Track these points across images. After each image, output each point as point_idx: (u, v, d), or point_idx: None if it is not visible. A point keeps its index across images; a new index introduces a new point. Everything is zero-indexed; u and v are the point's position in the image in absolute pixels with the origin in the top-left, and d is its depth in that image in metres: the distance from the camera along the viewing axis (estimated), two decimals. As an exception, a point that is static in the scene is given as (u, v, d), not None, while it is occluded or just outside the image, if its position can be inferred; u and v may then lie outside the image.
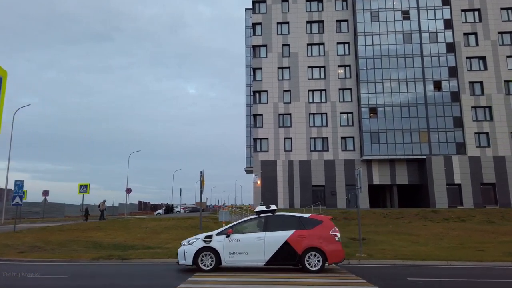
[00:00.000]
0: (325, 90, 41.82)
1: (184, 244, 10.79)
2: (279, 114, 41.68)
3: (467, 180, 37.81)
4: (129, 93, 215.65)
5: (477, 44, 40.77)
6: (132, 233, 21.48)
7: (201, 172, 21.85)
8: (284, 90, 42.18)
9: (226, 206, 75.63)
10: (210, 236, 10.58)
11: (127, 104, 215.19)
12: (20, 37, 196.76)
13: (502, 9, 41.36)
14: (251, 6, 47.66)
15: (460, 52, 40.56)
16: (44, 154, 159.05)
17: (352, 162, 39.56)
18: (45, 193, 37.55)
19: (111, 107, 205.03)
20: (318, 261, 10.19)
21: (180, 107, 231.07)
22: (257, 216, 11.09)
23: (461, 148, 38.60)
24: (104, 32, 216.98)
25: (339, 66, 42.36)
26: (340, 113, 41.25)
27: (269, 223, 10.70)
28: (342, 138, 40.72)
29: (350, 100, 41.49)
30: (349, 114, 41.33)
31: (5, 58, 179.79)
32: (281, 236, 10.37)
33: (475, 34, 41.00)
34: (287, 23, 43.53)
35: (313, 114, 41.45)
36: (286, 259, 10.35)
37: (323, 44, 42.78)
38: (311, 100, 41.82)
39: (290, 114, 41.61)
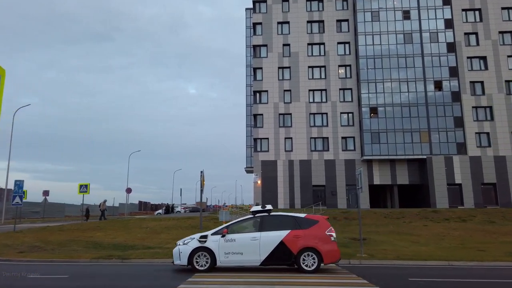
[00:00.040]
0: (325, 90, 41.78)
1: (179, 244, 10.75)
2: (280, 114, 41.64)
3: (468, 180, 37.75)
4: (129, 93, 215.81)
5: (477, 44, 40.71)
6: (132, 233, 21.43)
7: (201, 172, 21.80)
8: (285, 90, 42.14)
9: (226, 206, 75.57)
10: (205, 236, 10.54)
11: (127, 104, 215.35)
12: (20, 37, 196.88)
13: (503, 8, 41.30)
14: (251, 6, 47.63)
15: (461, 51, 40.50)
16: (44, 154, 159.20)
17: (353, 162, 39.51)
18: (45, 193, 37.51)
19: (111, 107, 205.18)
20: (314, 261, 10.15)
21: (180, 107, 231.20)
22: (252, 216, 11.03)
23: (461, 148, 38.53)
24: (104, 32, 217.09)
25: (339, 66, 42.31)
26: (341, 113, 41.20)
27: (264, 223, 10.65)
28: (342, 138, 40.68)
29: (350, 100, 41.44)
30: (349, 114, 41.28)
31: (5, 58, 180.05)
32: (276, 236, 10.32)
33: (476, 33, 40.93)
34: (288, 22, 43.49)
35: (314, 114, 41.40)
36: (281, 259, 10.31)
37: (323, 44, 42.74)
38: (311, 100, 41.77)
39: (290, 114, 41.57)
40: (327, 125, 40.93)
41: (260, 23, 43.80)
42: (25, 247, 15.67)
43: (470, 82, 39.98)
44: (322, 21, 43.25)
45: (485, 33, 40.76)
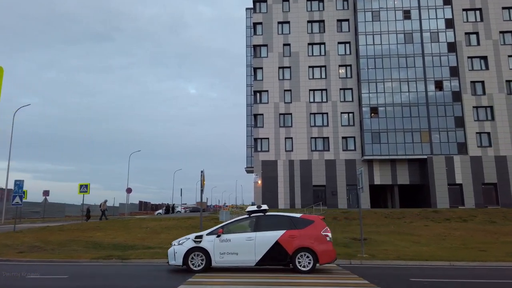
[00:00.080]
0: (326, 89, 41.73)
1: (174, 245, 10.71)
2: (280, 114, 41.59)
3: (469, 180, 37.69)
4: (129, 93, 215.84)
5: (478, 44, 40.64)
6: (132, 233, 21.39)
7: (202, 172, 21.75)
8: (285, 90, 42.09)
9: (226, 206, 75.53)
10: (200, 236, 10.49)
11: (127, 104, 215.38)
12: (20, 37, 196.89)
13: (504, 8, 41.23)
14: (251, 6, 47.59)
15: (462, 51, 40.44)
16: (44, 154, 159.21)
17: (353, 162, 39.45)
18: (46, 193, 37.47)
19: (111, 107, 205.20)
20: (309, 261, 10.09)
21: (180, 107, 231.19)
22: (248, 216, 10.96)
23: (462, 148, 38.47)
24: (104, 32, 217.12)
25: (340, 65, 42.25)
26: (341, 112, 41.15)
27: (260, 223, 10.59)
28: (343, 138, 40.62)
29: (351, 99, 41.38)
30: (350, 114, 41.22)
31: (5, 58, 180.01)
32: (272, 236, 10.26)
33: (477, 33, 40.86)
34: (288, 22, 43.44)
35: (314, 114, 41.35)
36: (276, 260, 10.25)
37: (324, 43, 42.69)
38: (312, 100, 41.72)
39: (290, 114, 41.52)
40: (327, 125, 40.88)
41: (261, 23, 43.76)
42: (25, 247, 15.62)
43: (471, 82, 39.92)
44: (323, 21, 43.20)
45: (485, 33, 40.70)
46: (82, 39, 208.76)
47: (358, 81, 41.08)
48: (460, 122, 38.94)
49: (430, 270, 11.51)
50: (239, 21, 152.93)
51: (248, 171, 56.21)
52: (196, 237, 10.50)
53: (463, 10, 41.33)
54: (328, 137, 40.56)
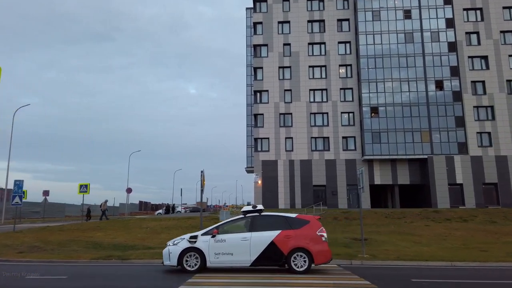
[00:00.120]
0: (326, 89, 41.68)
1: (169, 245, 10.66)
2: (280, 114, 41.54)
3: (469, 180, 37.64)
4: (129, 93, 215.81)
5: (479, 43, 40.59)
6: (132, 233, 21.36)
7: (202, 172, 21.69)
8: (285, 90, 42.04)
9: (227, 206, 75.52)
10: (195, 237, 10.44)
11: (127, 104, 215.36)
12: (20, 37, 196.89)
13: (504, 8, 41.18)
14: (252, 6, 47.54)
15: (462, 51, 40.39)
16: (44, 154, 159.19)
17: (353, 162, 39.41)
18: (46, 193, 37.43)
19: (111, 107, 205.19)
20: (304, 261, 10.04)
21: (180, 107, 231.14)
22: (243, 216, 10.91)
23: (463, 147, 38.42)
24: (104, 32, 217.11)
25: (340, 65, 42.20)
26: (341, 112, 41.10)
27: (255, 223, 10.53)
28: (343, 137, 40.57)
29: (351, 99, 41.33)
30: (350, 114, 41.18)
31: (5, 58, 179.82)
32: (267, 236, 10.21)
33: (477, 33, 40.81)
34: (288, 22, 43.39)
35: (314, 113, 41.30)
36: (272, 260, 10.20)
37: (324, 43, 42.64)
38: (312, 100, 41.68)
39: (291, 113, 41.47)
40: (327, 125, 40.83)
41: (261, 23, 43.72)
42: (25, 247, 15.59)
43: (471, 81, 39.87)
44: (323, 21, 43.15)
45: (486, 33, 40.64)
46: (82, 39, 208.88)
47: (359, 81, 41.03)
48: (460, 122, 38.88)
49: (431, 270, 11.46)
50: (239, 21, 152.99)
51: (248, 171, 56.19)
52: (191, 237, 10.45)
53: (464, 9, 41.28)
54: (328, 137, 40.52)
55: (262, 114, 41.74)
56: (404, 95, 39.96)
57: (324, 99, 41.53)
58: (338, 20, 43.07)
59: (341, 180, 39.35)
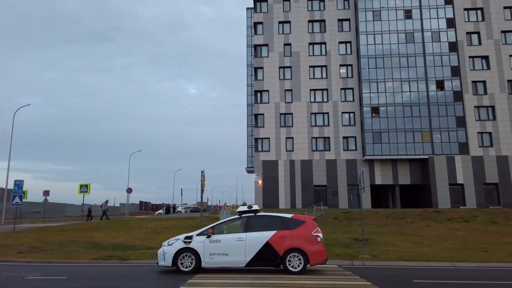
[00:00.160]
0: (326, 89, 41.63)
1: (164, 245, 10.62)
2: (281, 114, 41.50)
3: (470, 180, 37.57)
4: (129, 93, 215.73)
5: (480, 43, 40.53)
6: (133, 233, 21.31)
7: (202, 172, 21.71)
8: (286, 90, 42.01)
9: (227, 206, 75.47)
10: (190, 237, 10.39)
11: (127, 104, 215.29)
12: (20, 37, 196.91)
13: (505, 8, 41.13)
14: (252, 6, 47.50)
15: (463, 51, 40.33)
16: (45, 154, 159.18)
17: (354, 162, 39.35)
18: (46, 193, 37.40)
19: (111, 107, 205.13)
20: (300, 262, 9.98)
21: (180, 107, 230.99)
22: (239, 216, 10.85)
23: (463, 148, 38.35)
24: (104, 32, 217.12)
25: (341, 65, 42.16)
26: (342, 112, 41.05)
27: (250, 223, 10.48)
28: (344, 137, 40.53)
29: (352, 99, 41.29)
30: (351, 114, 41.13)
31: (5, 58, 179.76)
32: (262, 236, 10.15)
33: (478, 33, 40.75)
34: (289, 22, 43.36)
35: (315, 113, 41.26)
36: (267, 260, 10.15)
37: (324, 43, 42.60)
38: (312, 100, 41.64)
39: (291, 113, 41.43)
40: (328, 125, 40.79)
41: (261, 23, 43.69)
42: (25, 248, 15.55)
43: (472, 81, 39.82)
44: (323, 21, 43.11)
45: (487, 33, 40.58)
46: (82, 39, 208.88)
47: (359, 81, 40.98)
48: (461, 122, 38.82)
49: (432, 271, 11.41)
50: (240, 21, 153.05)
51: (248, 171, 56.15)
52: (186, 237, 10.40)
53: (464, 9, 41.23)
54: (329, 137, 40.47)
55: (263, 114, 41.70)
56: (405, 95, 39.91)
57: (325, 99, 41.48)
58: (339, 20, 43.03)
59: (342, 180, 39.30)
